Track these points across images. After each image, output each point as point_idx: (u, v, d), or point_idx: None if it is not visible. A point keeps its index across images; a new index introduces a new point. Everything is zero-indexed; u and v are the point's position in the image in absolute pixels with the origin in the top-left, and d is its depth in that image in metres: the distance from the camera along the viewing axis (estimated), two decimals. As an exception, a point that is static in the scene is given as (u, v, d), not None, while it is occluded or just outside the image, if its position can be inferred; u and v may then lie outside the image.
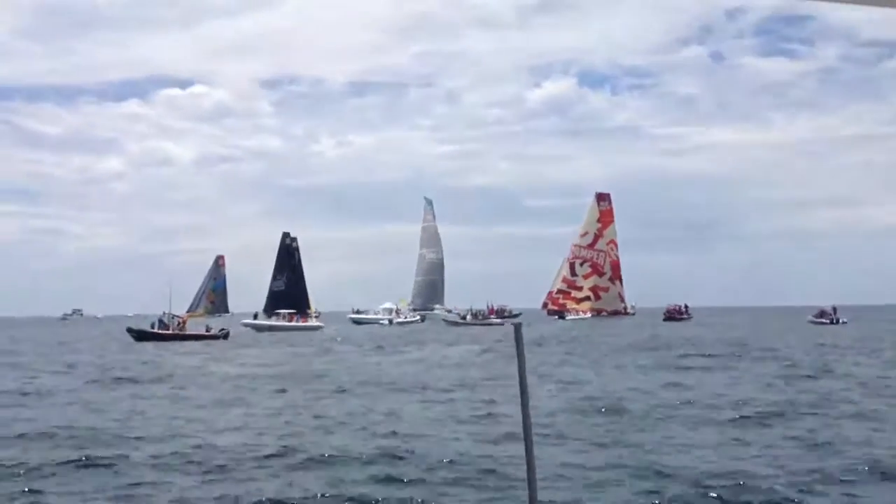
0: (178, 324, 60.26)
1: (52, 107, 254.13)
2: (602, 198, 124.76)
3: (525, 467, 3.53)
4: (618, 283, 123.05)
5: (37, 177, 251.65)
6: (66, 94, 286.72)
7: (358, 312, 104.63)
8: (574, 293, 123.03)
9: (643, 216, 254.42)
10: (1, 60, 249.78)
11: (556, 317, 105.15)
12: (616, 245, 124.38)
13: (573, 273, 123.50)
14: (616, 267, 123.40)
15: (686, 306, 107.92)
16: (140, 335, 57.40)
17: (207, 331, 61.59)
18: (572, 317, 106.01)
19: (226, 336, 60.88)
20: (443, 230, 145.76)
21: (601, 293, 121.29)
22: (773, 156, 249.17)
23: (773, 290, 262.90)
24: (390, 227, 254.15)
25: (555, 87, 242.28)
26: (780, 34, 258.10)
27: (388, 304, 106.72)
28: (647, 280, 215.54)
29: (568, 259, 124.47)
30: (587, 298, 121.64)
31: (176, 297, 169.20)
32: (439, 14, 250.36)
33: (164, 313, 60.89)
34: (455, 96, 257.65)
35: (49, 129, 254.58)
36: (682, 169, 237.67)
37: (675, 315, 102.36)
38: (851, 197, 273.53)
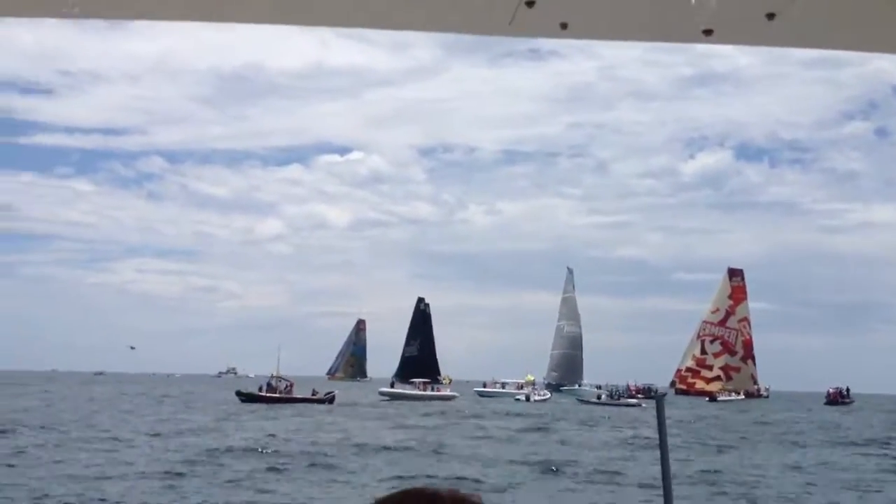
0: (286, 387, 61.69)
1: (220, 169, 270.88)
2: (734, 273, 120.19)
3: None
4: (750, 362, 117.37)
5: (202, 236, 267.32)
6: (235, 158, 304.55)
7: (485, 386, 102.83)
8: (704, 372, 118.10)
9: (794, 294, 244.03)
10: (178, 125, 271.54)
11: (707, 398, 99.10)
12: (749, 323, 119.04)
13: (703, 351, 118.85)
14: (748, 346, 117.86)
15: (848, 389, 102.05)
16: (247, 398, 59.03)
17: (314, 394, 62.66)
18: (724, 397, 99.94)
19: (331, 400, 61.82)
20: (585, 301, 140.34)
21: (732, 373, 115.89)
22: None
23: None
24: (530, 297, 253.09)
25: (710, 159, 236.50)
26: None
27: (512, 379, 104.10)
28: (792, 362, 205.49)
29: (698, 336, 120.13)
30: (718, 378, 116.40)
31: (321, 359, 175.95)
32: (595, 85, 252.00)
33: (272, 376, 62.58)
34: (605, 166, 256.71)
35: (216, 191, 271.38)
36: (839, 247, 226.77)
37: (836, 399, 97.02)
38: None
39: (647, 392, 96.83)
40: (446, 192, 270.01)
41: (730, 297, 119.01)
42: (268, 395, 59.72)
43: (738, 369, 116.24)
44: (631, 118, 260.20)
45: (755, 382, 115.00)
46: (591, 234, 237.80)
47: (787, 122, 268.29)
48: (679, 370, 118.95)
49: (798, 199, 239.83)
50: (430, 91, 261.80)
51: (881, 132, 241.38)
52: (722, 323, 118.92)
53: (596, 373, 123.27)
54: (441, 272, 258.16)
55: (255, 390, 60.82)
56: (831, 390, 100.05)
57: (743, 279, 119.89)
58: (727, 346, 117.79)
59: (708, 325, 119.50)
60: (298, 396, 61.08)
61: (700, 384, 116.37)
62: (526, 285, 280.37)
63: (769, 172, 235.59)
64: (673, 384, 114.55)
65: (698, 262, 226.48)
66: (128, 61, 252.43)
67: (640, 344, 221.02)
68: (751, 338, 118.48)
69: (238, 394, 60.48)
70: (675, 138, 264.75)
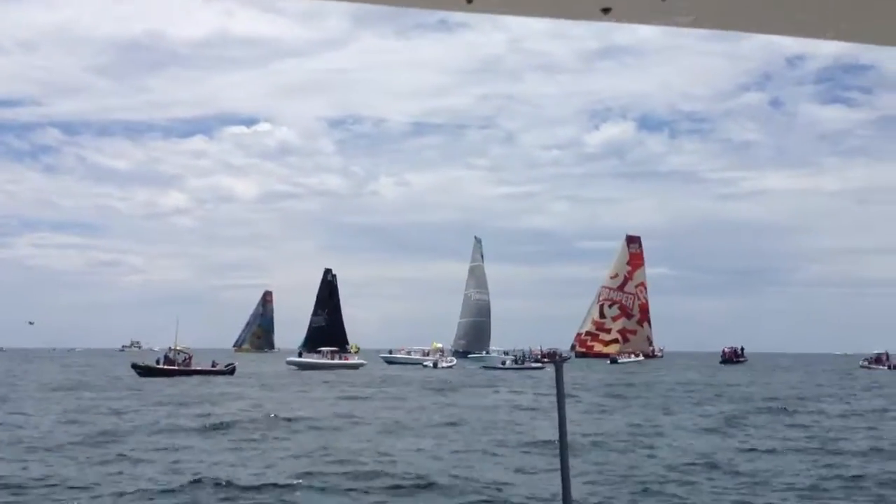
0: (185, 359, 60.86)
1: (120, 141, 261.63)
2: (632, 240, 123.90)
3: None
4: (646, 325, 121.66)
5: (103, 210, 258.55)
6: (136, 129, 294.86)
7: (390, 352, 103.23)
8: (602, 335, 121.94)
9: (692, 260, 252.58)
10: (75, 96, 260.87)
11: (609, 360, 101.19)
12: (645, 287, 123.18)
13: (602, 315, 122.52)
14: (645, 309, 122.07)
15: (742, 349, 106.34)
16: (144, 371, 58.06)
17: (213, 366, 62.08)
18: (624, 359, 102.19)
19: (232, 371, 61.40)
20: (493, 270, 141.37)
21: (629, 335, 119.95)
22: (827, 203, 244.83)
23: (823, 338, 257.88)
24: (439, 267, 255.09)
25: (613, 130, 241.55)
26: (839, 82, 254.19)
27: (418, 346, 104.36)
28: (691, 324, 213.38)
29: (597, 301, 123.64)
30: (615, 341, 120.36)
31: (229, 332, 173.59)
32: (504, 58, 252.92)
33: (169, 349, 61.61)
34: (513, 137, 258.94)
35: (116, 164, 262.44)
36: (736, 214, 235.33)
37: (731, 358, 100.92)
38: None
39: (553, 356, 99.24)
40: (356, 163, 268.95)
41: (628, 263, 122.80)
42: (165, 367, 58.88)
43: (634, 332, 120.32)
44: (538, 91, 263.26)
45: (651, 344, 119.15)
46: (499, 204, 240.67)
47: (687, 93, 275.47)
48: (579, 334, 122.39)
49: (696, 168, 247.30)
50: (338, 62, 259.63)
51: (775, 103, 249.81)
52: (620, 288, 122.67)
53: (503, 339, 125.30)
54: (352, 244, 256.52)
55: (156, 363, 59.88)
56: (726, 350, 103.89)
57: (640, 246, 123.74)
58: (625, 309, 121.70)
59: (606, 290, 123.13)
60: (197, 368, 60.41)
61: (598, 347, 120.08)
62: (436, 256, 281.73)
63: (670, 143, 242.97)
64: (573, 347, 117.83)
65: (602, 231, 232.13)
66: (23, 30, 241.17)
67: (547, 310, 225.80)
68: (647, 301, 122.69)
69: (134, 367, 59.36)
70: (580, 110, 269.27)
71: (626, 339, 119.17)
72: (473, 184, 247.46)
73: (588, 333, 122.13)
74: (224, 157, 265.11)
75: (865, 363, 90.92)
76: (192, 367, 60.00)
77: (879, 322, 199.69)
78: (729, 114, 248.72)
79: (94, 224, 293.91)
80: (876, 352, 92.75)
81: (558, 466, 3.67)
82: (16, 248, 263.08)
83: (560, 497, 3.64)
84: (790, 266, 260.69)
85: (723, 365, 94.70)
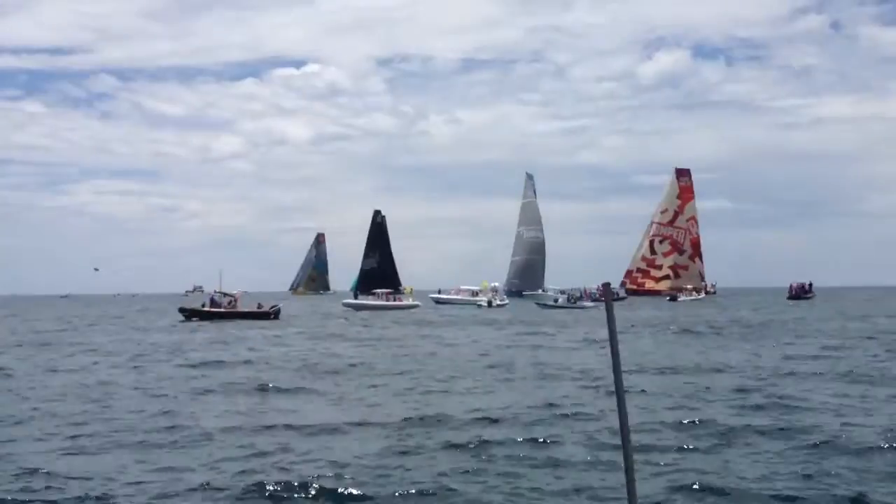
0: (230, 302, 61.61)
1: (173, 86, 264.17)
2: (682, 174, 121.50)
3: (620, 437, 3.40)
4: (697, 260, 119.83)
5: (159, 156, 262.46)
6: (187, 74, 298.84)
7: (439, 292, 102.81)
8: (653, 272, 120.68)
9: (753, 192, 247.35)
10: (126, 42, 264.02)
11: (668, 298, 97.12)
12: (696, 222, 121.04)
13: (652, 251, 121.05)
14: (696, 244, 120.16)
15: (811, 284, 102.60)
16: (190, 314, 59.07)
17: (259, 307, 62.77)
18: (684, 297, 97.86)
19: (276, 314, 62.00)
20: (546, 207, 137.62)
21: (681, 271, 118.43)
22: (891, 129, 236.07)
23: (892, 270, 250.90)
24: (492, 206, 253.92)
25: (667, 60, 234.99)
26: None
27: (466, 287, 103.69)
28: (748, 258, 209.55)
29: (647, 237, 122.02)
30: (667, 277, 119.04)
31: (286, 275, 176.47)
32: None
33: (214, 291, 62.45)
34: (563, 71, 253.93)
35: (170, 109, 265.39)
36: (797, 143, 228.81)
37: (799, 294, 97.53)
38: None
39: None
40: (405, 102, 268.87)
41: (678, 196, 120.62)
42: (211, 309, 59.80)
43: (685, 267, 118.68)
44: (588, 20, 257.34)
45: (703, 279, 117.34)
46: (552, 140, 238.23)
47: (742, 19, 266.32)
48: (630, 271, 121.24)
49: (755, 97, 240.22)
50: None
51: (836, 25, 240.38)
52: (671, 223, 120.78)
53: (559, 278, 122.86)
54: (403, 184, 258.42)
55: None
56: (794, 285, 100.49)
57: (690, 179, 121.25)
58: (675, 244, 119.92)
59: (656, 226, 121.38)
60: (243, 311, 61.17)
61: (650, 283, 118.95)
62: (490, 194, 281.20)
63: (726, 71, 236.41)
64: (622, 284, 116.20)
65: (659, 165, 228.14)
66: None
67: (604, 248, 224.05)
68: (698, 236, 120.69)
69: (181, 310, 60.55)
70: (632, 40, 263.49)
71: (677, 275, 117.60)
72: (525, 120, 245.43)
73: (639, 270, 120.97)
74: (275, 99, 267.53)
75: None
76: (238, 310, 60.81)
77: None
78: (787, 39, 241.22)
79: (152, 170, 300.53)
80: None
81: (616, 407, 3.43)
82: (77, 195, 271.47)
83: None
84: (855, 196, 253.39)
85: (791, 301, 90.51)
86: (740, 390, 18.25)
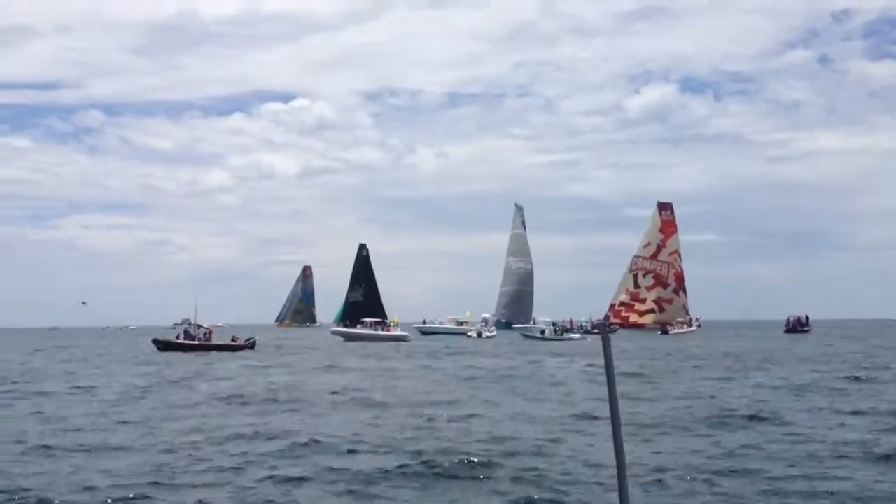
0: (205, 334, 61.02)
1: (161, 121, 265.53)
2: (664, 207, 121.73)
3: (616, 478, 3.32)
4: (682, 294, 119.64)
5: (148, 189, 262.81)
6: (175, 109, 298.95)
7: (424, 323, 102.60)
8: (637, 305, 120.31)
9: (742, 225, 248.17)
10: (113, 77, 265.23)
11: (660, 332, 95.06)
12: (679, 256, 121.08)
13: (636, 285, 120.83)
14: (680, 278, 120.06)
15: (807, 318, 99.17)
16: (164, 346, 58.49)
17: (234, 341, 62.15)
18: (676, 330, 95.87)
19: (252, 346, 61.41)
20: (535, 239, 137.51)
21: (665, 305, 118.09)
22: (882, 162, 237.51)
23: (882, 302, 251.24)
24: (480, 239, 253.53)
25: (655, 94, 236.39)
26: (888, 36, 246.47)
27: (453, 317, 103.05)
28: (736, 291, 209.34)
29: (630, 270, 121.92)
30: (651, 311, 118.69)
31: (274, 308, 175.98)
32: (538, 22, 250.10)
33: (189, 324, 61.85)
34: (552, 104, 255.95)
35: (158, 143, 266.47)
36: (787, 176, 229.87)
37: (796, 327, 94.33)
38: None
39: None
40: (393, 136, 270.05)
41: (660, 230, 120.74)
42: (185, 342, 59.15)
43: (670, 301, 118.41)
44: (575, 55, 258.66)
45: (687, 313, 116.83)
46: (540, 173, 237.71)
47: (729, 53, 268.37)
48: (613, 305, 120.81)
49: (743, 130, 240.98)
50: (370, 34, 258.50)
51: (823, 60, 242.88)
52: (653, 257, 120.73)
53: (547, 310, 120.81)
54: (391, 217, 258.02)
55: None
56: (791, 318, 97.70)
57: (673, 213, 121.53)
58: (659, 278, 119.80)
59: (640, 260, 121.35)
60: (217, 343, 60.55)
61: (634, 317, 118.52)
62: (477, 227, 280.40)
63: (714, 105, 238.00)
64: (607, 318, 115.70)
65: (648, 198, 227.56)
66: (57, 14, 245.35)
67: (593, 280, 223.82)
68: (682, 270, 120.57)
69: (155, 342, 59.99)
70: (619, 74, 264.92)
71: (661, 309, 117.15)
72: (513, 153, 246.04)
73: (622, 304, 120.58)
74: (263, 133, 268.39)
75: None
76: (212, 343, 60.18)
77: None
78: (775, 73, 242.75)
79: (141, 204, 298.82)
80: None
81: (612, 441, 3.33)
82: (65, 229, 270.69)
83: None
84: (846, 229, 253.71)
85: (787, 334, 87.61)
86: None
